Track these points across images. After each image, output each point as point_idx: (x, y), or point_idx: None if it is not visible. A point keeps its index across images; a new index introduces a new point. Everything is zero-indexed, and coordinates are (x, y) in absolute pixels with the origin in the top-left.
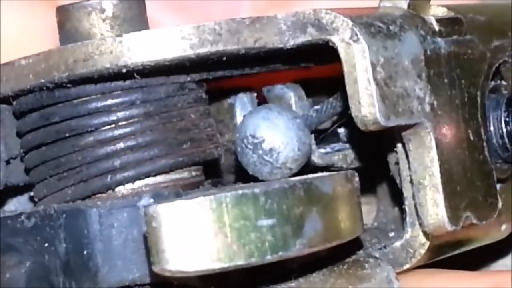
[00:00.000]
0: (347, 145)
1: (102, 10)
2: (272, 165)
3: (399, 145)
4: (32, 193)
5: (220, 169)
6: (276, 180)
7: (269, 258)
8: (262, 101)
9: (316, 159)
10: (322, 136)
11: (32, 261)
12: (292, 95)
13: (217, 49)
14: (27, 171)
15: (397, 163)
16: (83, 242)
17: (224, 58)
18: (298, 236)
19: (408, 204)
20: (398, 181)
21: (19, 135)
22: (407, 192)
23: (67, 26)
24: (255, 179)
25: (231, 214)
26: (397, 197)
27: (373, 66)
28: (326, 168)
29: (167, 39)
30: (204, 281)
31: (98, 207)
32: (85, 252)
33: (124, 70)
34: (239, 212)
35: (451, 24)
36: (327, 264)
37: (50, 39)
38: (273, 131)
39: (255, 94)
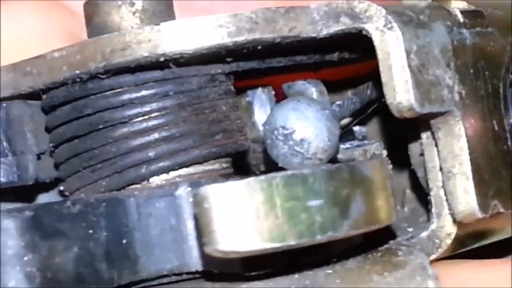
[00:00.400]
0: (365, 142)
1: (132, 4)
2: (303, 156)
3: (425, 135)
4: (62, 187)
5: (247, 163)
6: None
7: (319, 238)
8: (279, 100)
9: (338, 154)
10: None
11: (78, 246)
12: (313, 90)
13: (254, 37)
14: (57, 165)
15: (421, 155)
16: (122, 230)
17: (259, 47)
18: (345, 218)
19: (434, 195)
20: (419, 174)
21: (48, 130)
22: (432, 182)
23: (96, 20)
24: None
25: (282, 194)
26: (406, 196)
27: (407, 53)
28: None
29: (205, 27)
30: (246, 267)
31: (136, 197)
32: (123, 241)
33: (162, 59)
34: (289, 192)
35: (474, 16)
36: (359, 252)
37: (50, 38)
38: (304, 122)
39: (273, 92)
